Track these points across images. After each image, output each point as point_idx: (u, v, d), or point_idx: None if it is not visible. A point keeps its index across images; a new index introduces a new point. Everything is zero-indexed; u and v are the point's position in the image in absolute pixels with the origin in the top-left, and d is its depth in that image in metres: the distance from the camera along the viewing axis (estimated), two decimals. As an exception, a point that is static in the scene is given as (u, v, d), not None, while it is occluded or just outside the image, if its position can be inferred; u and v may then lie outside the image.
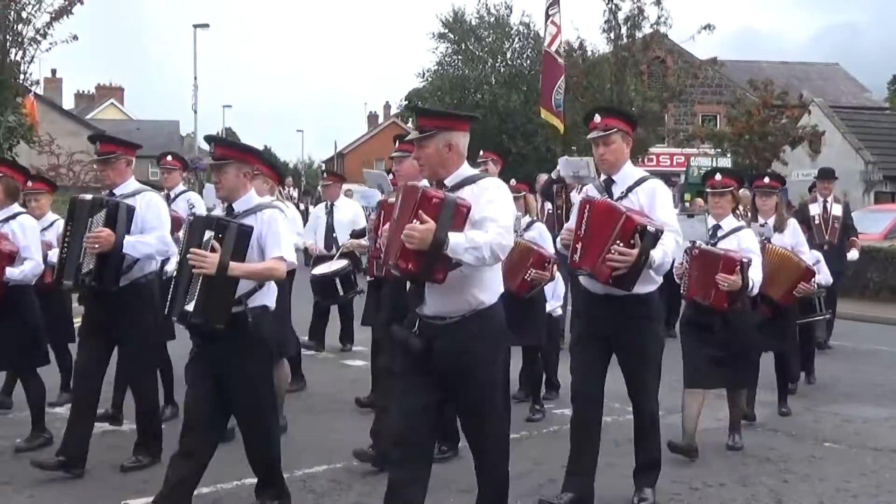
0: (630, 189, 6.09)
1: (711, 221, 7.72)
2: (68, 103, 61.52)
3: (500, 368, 5.14)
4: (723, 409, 8.03)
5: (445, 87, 46.12)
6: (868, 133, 36.16)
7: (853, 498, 6.53)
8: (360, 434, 7.81)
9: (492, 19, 46.50)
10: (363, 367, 10.15)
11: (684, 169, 36.53)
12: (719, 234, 7.57)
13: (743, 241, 7.49)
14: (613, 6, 29.92)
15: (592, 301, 6.25)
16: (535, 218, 9.30)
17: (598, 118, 6.17)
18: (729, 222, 7.59)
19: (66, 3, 23.80)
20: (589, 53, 31.73)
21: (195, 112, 48.42)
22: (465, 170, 5.06)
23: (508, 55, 46.50)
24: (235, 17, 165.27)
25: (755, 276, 7.20)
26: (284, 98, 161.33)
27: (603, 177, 6.38)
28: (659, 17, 30.12)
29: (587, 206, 5.96)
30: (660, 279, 6.14)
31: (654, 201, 6.01)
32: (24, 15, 23.66)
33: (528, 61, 45.37)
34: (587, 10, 70.77)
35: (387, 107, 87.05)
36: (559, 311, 9.97)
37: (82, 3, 24.12)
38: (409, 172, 6.83)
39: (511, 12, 46.55)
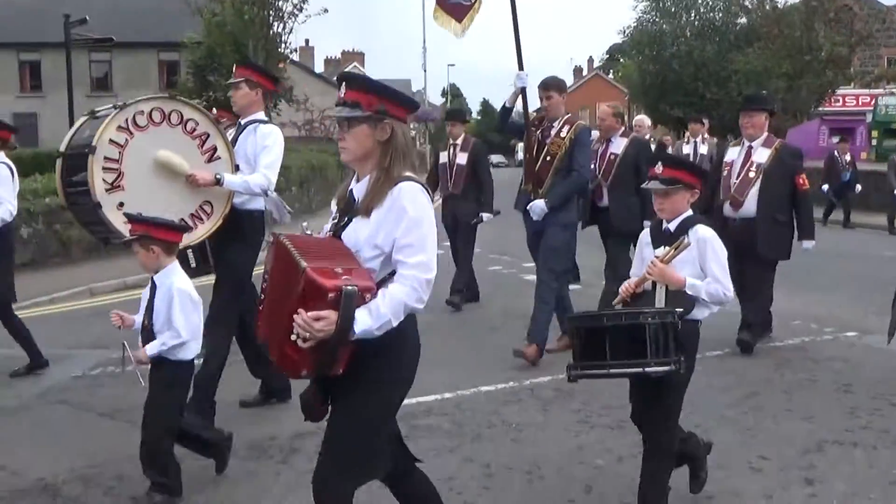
0: None
1: None
2: (319, 67, 63.46)
3: None
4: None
5: (644, 41, 44.87)
6: None
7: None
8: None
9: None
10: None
11: (871, 108, 34.32)
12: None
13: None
14: (803, -43, 28.41)
15: None
16: None
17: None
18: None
19: (319, -19, 24.41)
20: (779, 3, 30.34)
21: (424, 71, 49.67)
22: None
23: (702, 9, 44.65)
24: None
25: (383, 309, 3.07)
26: (501, 56, 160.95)
27: None
28: (848, -33, 28.41)
29: None
30: None
31: None
32: (284, -7, 24.43)
33: (720, 13, 43.54)
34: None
35: (590, 60, 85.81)
36: None
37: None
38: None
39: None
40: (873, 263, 13.22)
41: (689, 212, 4.39)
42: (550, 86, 7.53)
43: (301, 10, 24.76)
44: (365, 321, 3.04)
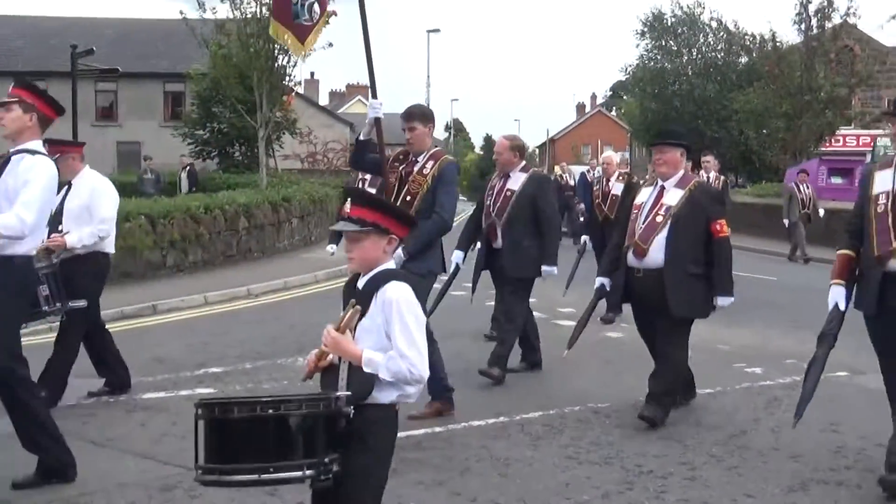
0: None
1: None
2: (323, 100, 63.90)
3: None
4: None
5: (646, 79, 45.28)
6: None
7: None
8: (571, 384, 7.81)
9: (685, 17, 45.13)
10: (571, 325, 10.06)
11: (870, 149, 34.53)
12: None
13: None
14: (804, -1, 28.84)
15: None
16: None
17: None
18: None
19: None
20: (780, 44, 30.70)
21: (428, 105, 50.09)
22: None
23: (704, 48, 45.07)
24: (463, 22, 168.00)
25: None
26: (504, 91, 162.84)
27: None
28: (848, 9, 28.87)
29: None
30: None
31: None
32: (288, 27, 24.68)
33: (722, 53, 43.96)
34: (779, 3, 67.66)
35: (593, 97, 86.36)
36: None
37: (336, 16, 24.90)
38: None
39: (703, 9, 45.05)
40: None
41: (389, 264, 3.60)
42: (413, 116, 6.64)
43: (306, 43, 25.05)
44: None
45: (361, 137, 6.74)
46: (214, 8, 25.14)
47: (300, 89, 33.94)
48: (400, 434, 6.13)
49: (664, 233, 6.47)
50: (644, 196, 6.79)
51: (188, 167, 25.08)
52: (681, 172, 6.70)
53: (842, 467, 5.70)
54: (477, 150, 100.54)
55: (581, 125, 79.88)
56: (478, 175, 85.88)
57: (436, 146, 6.74)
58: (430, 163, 6.51)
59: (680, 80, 44.23)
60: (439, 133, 75.51)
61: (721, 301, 6.54)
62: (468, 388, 7.76)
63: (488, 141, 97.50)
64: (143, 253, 14.33)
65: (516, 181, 7.89)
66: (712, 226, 6.49)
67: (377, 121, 6.55)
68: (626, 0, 78.59)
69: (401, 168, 6.60)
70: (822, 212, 19.88)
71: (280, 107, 26.27)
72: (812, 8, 29.01)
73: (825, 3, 28.83)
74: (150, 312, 11.82)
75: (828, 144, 31.60)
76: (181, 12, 25.13)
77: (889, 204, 5.08)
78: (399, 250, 6.09)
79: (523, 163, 8.09)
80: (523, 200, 7.77)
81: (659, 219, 6.51)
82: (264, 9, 24.31)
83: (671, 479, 5.45)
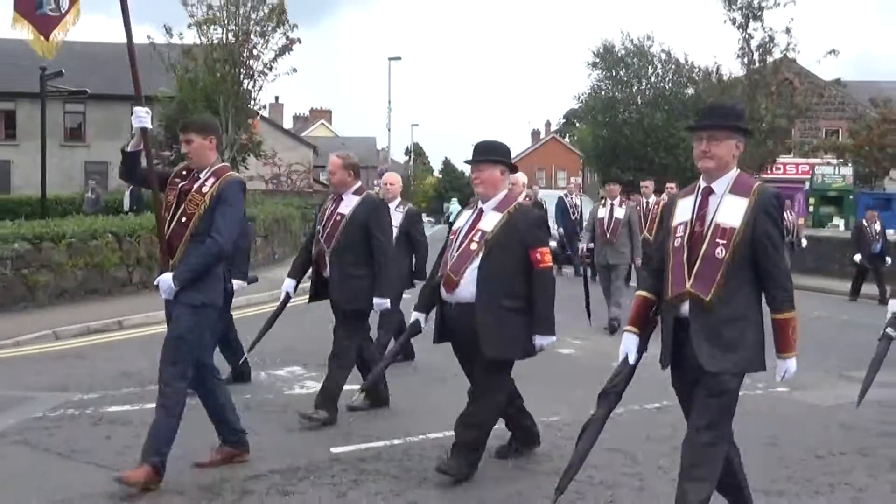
0: None
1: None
2: (287, 124, 63.82)
3: None
4: (837, 388, 7.64)
5: (598, 108, 45.80)
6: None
7: (966, 471, 6.10)
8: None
9: (635, 49, 45.76)
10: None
11: (809, 177, 35.17)
12: None
13: None
14: (747, 35, 29.37)
15: None
16: None
17: None
18: None
19: (288, 42, 24.75)
20: (724, 76, 31.22)
21: (389, 130, 50.56)
22: None
23: (652, 79, 45.67)
24: (424, 50, 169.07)
25: None
26: (462, 116, 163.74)
27: None
28: (788, 44, 29.38)
29: None
30: None
31: None
32: (254, 52, 24.70)
33: (670, 84, 44.56)
34: (723, 37, 68.91)
35: (547, 124, 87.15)
36: None
37: (300, 43, 24.98)
38: None
39: (652, 42, 45.68)
40: (821, 324, 13.46)
41: None
42: (188, 127, 5.71)
43: (271, 69, 25.09)
44: None
45: (129, 149, 5.72)
46: (181, 33, 25.15)
47: (265, 113, 33.87)
48: (359, 446, 6.20)
49: (477, 262, 5.48)
50: (462, 220, 5.80)
51: (132, 187, 24.85)
52: (501, 193, 5.68)
53: (783, 478, 5.77)
54: (436, 173, 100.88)
55: (536, 151, 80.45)
56: (436, 197, 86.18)
57: (222, 162, 5.82)
58: (211, 180, 5.53)
59: (630, 108, 44.80)
60: (399, 156, 75.65)
61: (540, 341, 5.54)
62: (425, 400, 7.77)
63: (447, 164, 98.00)
64: (110, 270, 14.18)
65: (348, 204, 6.94)
66: (532, 254, 5.49)
67: (143, 131, 5.73)
68: (579, 32, 79.25)
69: (181, 184, 5.61)
70: (804, 241, 17.96)
71: (245, 130, 26.28)
72: (754, 43, 29.54)
73: (767, 39, 29.36)
74: (116, 328, 11.69)
75: (769, 172, 32.14)
76: (149, 37, 25.14)
77: (686, 237, 4.30)
78: (169, 280, 5.39)
79: (358, 184, 7.08)
80: (353, 226, 6.82)
81: (473, 246, 5.52)
82: (230, 35, 24.39)
83: (620, 490, 5.49)
